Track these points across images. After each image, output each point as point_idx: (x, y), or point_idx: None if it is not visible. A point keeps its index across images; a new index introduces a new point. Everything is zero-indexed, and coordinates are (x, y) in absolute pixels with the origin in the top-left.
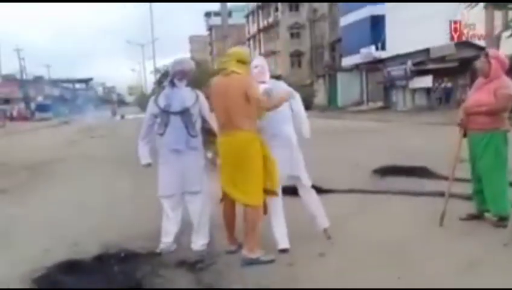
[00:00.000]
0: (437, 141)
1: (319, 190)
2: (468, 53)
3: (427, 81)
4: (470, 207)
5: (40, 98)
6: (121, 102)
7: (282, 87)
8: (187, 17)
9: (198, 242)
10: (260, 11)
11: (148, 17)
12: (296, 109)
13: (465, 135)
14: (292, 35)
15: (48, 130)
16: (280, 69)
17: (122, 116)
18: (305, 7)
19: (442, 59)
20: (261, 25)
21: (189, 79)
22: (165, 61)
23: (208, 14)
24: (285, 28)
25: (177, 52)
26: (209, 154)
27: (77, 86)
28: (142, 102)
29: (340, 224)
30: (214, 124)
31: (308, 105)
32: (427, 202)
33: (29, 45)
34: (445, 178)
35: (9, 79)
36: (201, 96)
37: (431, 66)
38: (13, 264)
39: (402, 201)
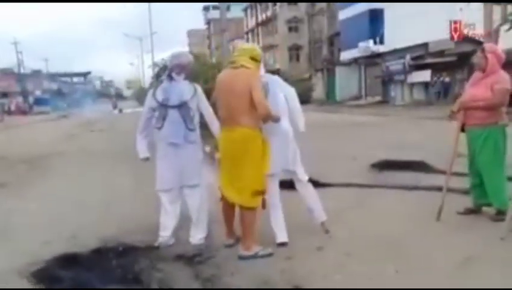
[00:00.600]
0: (435, 136)
1: (317, 184)
2: (466, 48)
3: (425, 75)
4: (468, 201)
5: (38, 92)
6: (119, 96)
7: (278, 82)
8: (185, 10)
9: (197, 236)
10: (258, 5)
11: (147, 11)
12: (292, 104)
13: (463, 130)
14: (290, 29)
15: (46, 124)
16: (278, 63)
17: (120, 110)
18: None
19: (440, 53)
20: (260, 19)
21: (188, 73)
22: (163, 55)
23: (206, 8)
24: (283, 22)
25: (175, 46)
26: (207, 148)
27: (75, 79)
28: (140, 96)
29: (337, 218)
30: (211, 118)
31: (306, 99)
32: (424, 196)
33: (27, 38)
34: (443, 172)
35: (6, 73)
36: (199, 90)
37: (429, 60)
38: (11, 257)
39: (400, 195)
